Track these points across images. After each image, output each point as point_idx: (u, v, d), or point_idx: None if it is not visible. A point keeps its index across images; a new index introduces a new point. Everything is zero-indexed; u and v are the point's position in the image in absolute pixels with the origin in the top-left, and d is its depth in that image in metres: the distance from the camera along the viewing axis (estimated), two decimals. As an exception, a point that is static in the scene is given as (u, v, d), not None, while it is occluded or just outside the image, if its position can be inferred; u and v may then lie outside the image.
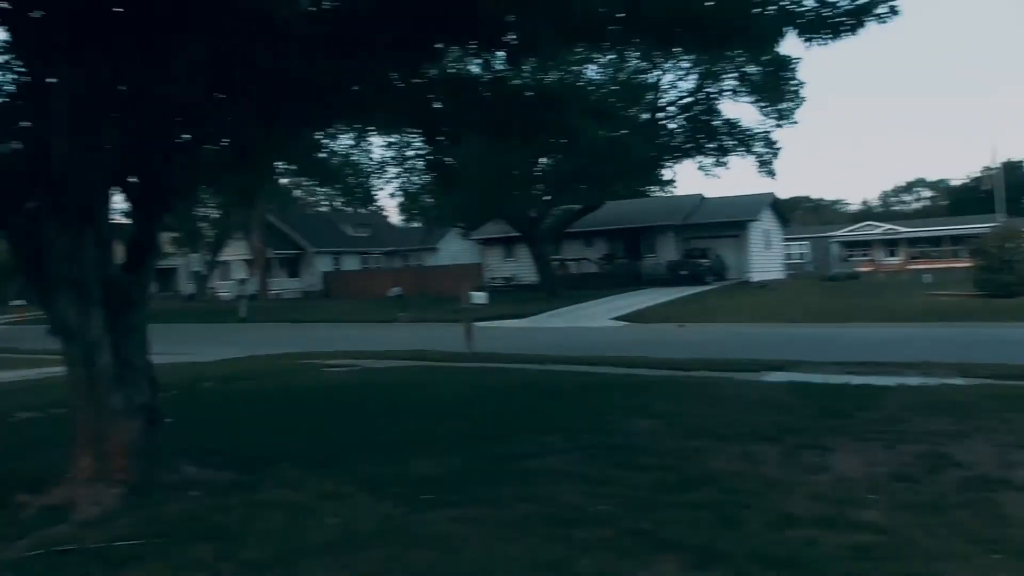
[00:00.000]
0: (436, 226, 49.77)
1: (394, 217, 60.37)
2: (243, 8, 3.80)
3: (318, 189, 52.00)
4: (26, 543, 4.68)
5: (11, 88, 4.98)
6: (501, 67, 5.85)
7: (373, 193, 35.71)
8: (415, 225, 55.29)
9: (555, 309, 27.99)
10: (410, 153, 32.00)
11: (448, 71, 5.37)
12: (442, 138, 5.87)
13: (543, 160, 31.79)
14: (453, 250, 54.00)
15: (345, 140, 22.43)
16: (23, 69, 4.85)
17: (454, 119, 4.74)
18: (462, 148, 6.32)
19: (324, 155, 6.40)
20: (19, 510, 5.24)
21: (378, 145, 30.49)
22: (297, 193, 53.04)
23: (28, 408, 10.31)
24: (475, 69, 6.13)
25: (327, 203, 58.78)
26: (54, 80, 4.52)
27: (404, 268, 51.68)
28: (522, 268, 40.62)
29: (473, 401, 9.18)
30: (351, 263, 55.17)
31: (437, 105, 4.70)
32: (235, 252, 50.95)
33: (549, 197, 35.13)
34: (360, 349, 16.58)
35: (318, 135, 6.54)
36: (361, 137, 24.39)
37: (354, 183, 32.47)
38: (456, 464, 6.19)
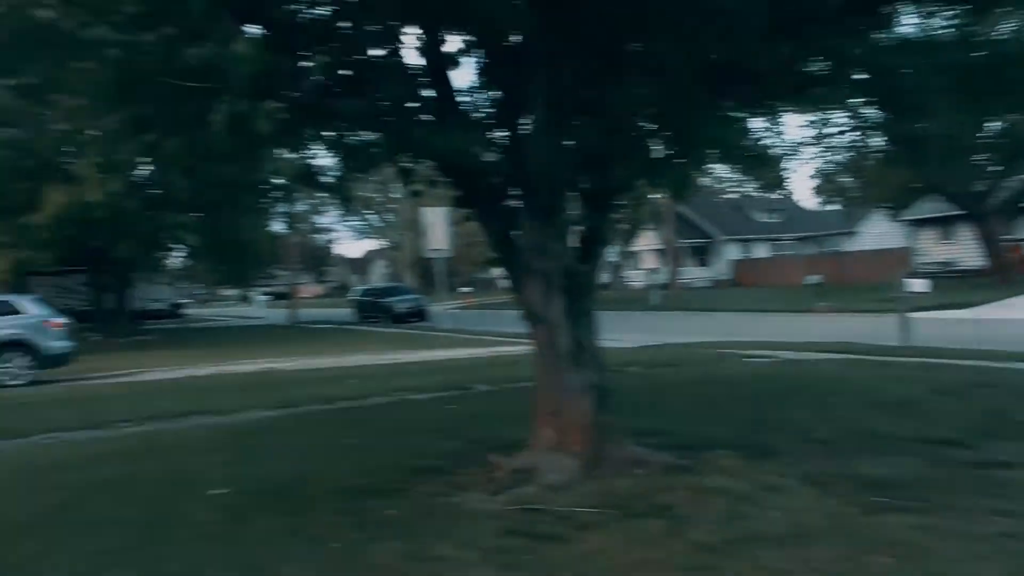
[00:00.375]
0: (856, 208, 45.99)
1: (808, 201, 57.29)
2: (701, 6, 3.89)
3: (725, 176, 51.60)
4: (504, 499, 5.40)
5: (487, 104, 5.76)
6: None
7: (785, 177, 34.30)
8: (832, 208, 51.80)
9: (1009, 298, 24.11)
10: (830, 130, 29.95)
11: (901, 34, 4.90)
12: (901, 110, 5.36)
13: (992, 125, 27.37)
14: (875, 233, 49.54)
15: (756, 123, 21.78)
16: (497, 87, 5.60)
17: (917, 87, 4.28)
18: (900, 119, 5.71)
19: (750, 141, 6.25)
20: (494, 470, 6.05)
21: (793, 125, 29.17)
22: (705, 181, 53.14)
23: (483, 382, 11.91)
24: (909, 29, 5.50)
25: (736, 190, 58.00)
26: (527, 94, 5.14)
27: (819, 254, 48.82)
28: (962, 251, 35.67)
29: (919, 399, 8.30)
30: (761, 250, 53.82)
31: (902, 71, 4.28)
32: (646, 242, 52.96)
33: (1001, 167, 30.21)
34: (776, 340, 16.06)
35: (741, 119, 6.42)
36: (774, 119, 23.50)
37: (768, 167, 31.46)
38: (910, 467, 5.66)
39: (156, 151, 5.48)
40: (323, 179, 6.92)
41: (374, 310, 36.04)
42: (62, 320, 16.26)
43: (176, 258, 42.09)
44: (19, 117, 5.35)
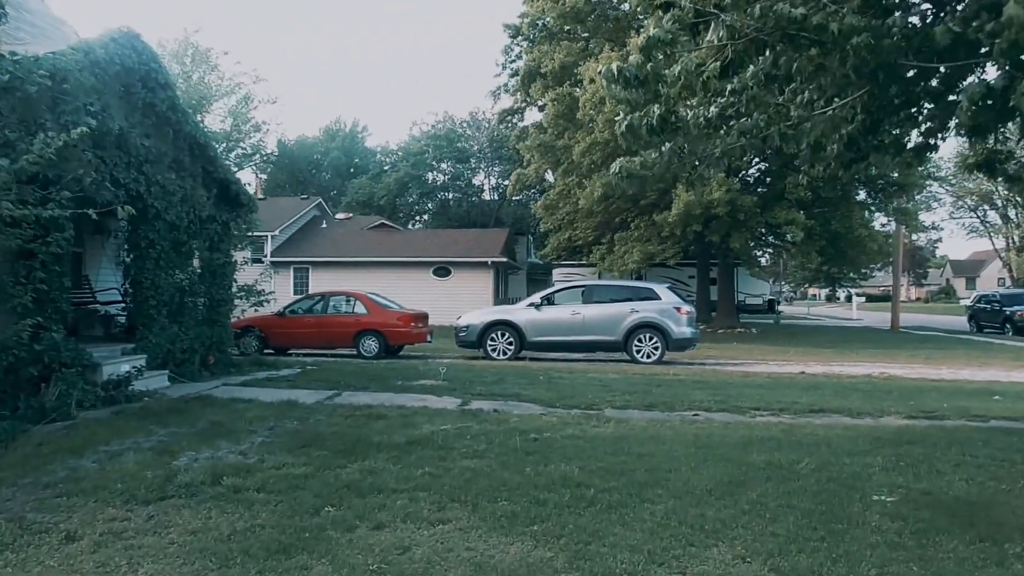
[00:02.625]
0: None
1: None
2: None
3: None
4: None
5: None
6: None
7: None
8: None
9: None
10: None
11: None
12: None
13: None
14: None
15: None
16: None
17: None
18: None
19: None
20: None
21: None
22: None
23: None
24: None
25: None
26: None
27: None
28: None
29: None
30: None
31: None
32: None
33: None
34: None
35: None
36: None
37: None
38: None
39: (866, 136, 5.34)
40: (1009, 167, 6.25)
41: (994, 319, 32.05)
42: (689, 308, 17.88)
43: (769, 254, 43.17)
44: (755, 105, 5.76)
